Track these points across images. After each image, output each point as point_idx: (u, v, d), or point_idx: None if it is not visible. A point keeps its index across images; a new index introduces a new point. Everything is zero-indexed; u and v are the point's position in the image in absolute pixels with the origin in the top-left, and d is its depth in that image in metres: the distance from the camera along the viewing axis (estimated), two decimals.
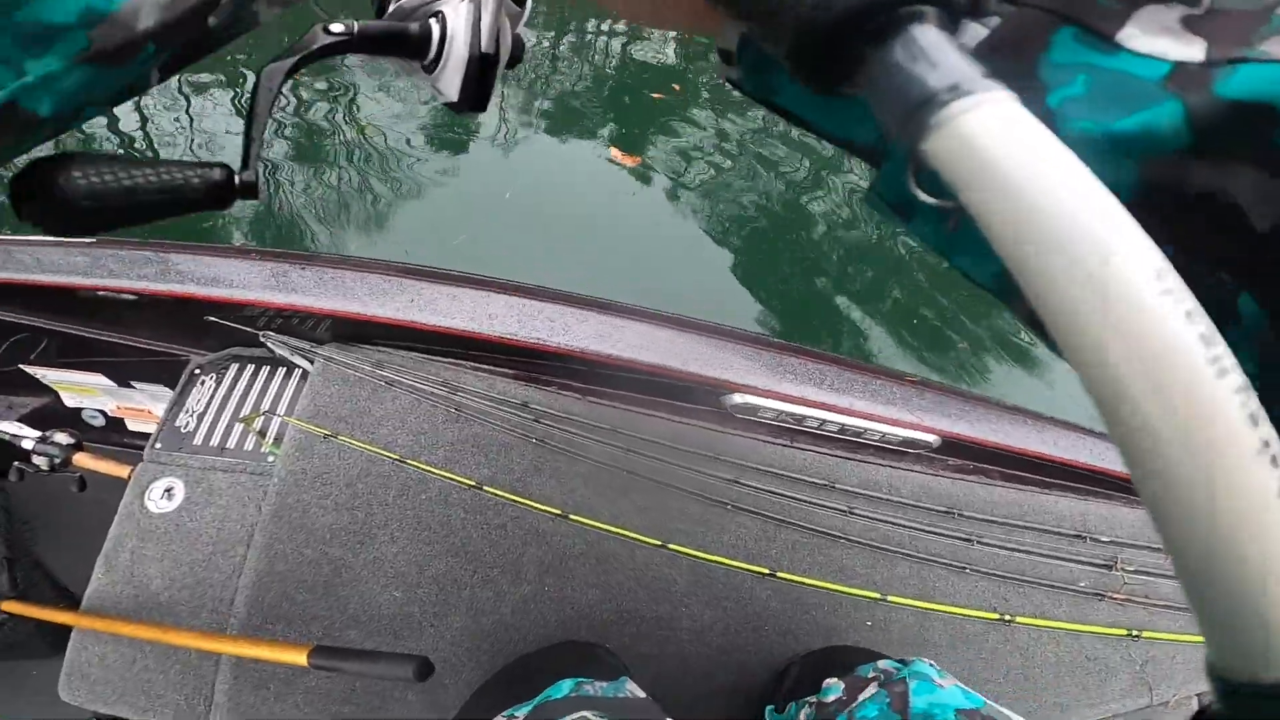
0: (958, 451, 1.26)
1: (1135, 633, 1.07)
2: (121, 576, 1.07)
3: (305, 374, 1.22)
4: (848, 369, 1.25)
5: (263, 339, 1.19)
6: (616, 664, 0.94)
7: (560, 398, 1.21)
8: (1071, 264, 0.13)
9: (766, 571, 1.07)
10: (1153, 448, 0.13)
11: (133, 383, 1.44)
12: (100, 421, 1.54)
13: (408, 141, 3.23)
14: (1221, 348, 0.13)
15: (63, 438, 1.31)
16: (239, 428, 1.20)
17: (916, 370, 2.63)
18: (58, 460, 1.28)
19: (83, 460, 1.26)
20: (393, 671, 0.71)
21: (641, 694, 0.76)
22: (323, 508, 1.06)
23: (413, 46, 0.33)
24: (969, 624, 1.07)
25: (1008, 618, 1.06)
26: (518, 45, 0.35)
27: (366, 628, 1.00)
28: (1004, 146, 0.14)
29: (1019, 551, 1.12)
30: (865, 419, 1.19)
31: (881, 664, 0.74)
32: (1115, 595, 1.09)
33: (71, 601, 1.12)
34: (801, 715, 0.74)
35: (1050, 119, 0.17)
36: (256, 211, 2.83)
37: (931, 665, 0.71)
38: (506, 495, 1.08)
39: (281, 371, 1.26)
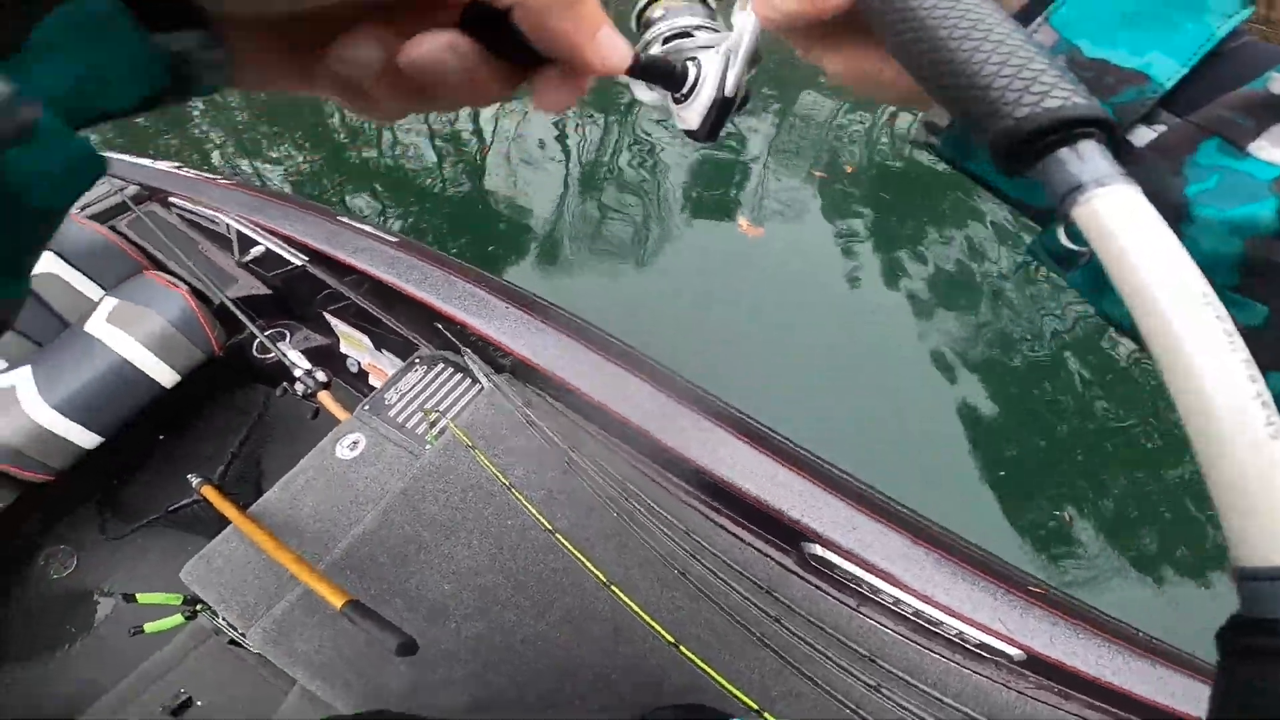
0: (1041, 671, 1.13)
1: None
2: (289, 495, 1.38)
3: (481, 389, 1.47)
4: (945, 552, 1.16)
5: (464, 356, 1.47)
6: None
7: (655, 486, 1.30)
8: (1160, 318, 0.20)
9: (756, 708, 1.05)
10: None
11: (383, 349, 1.86)
12: (355, 369, 2.01)
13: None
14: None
15: (320, 375, 1.73)
16: (419, 416, 1.48)
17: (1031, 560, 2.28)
18: (309, 390, 1.70)
19: (323, 397, 1.66)
20: (384, 637, 0.87)
21: None
22: (436, 499, 1.26)
23: (675, 82, 0.42)
24: None
25: None
26: (747, 94, 0.44)
27: (410, 601, 1.17)
28: (1123, 222, 0.21)
29: None
30: (945, 612, 1.11)
31: None
32: None
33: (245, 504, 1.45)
34: None
35: (1185, 204, 0.26)
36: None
37: None
38: (570, 548, 1.19)
39: (469, 382, 1.53)
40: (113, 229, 1.98)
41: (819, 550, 1.19)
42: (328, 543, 1.28)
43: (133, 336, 1.77)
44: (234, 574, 1.28)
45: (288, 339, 2.03)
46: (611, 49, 0.25)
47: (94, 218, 2.00)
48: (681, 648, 1.10)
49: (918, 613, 1.15)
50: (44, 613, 1.81)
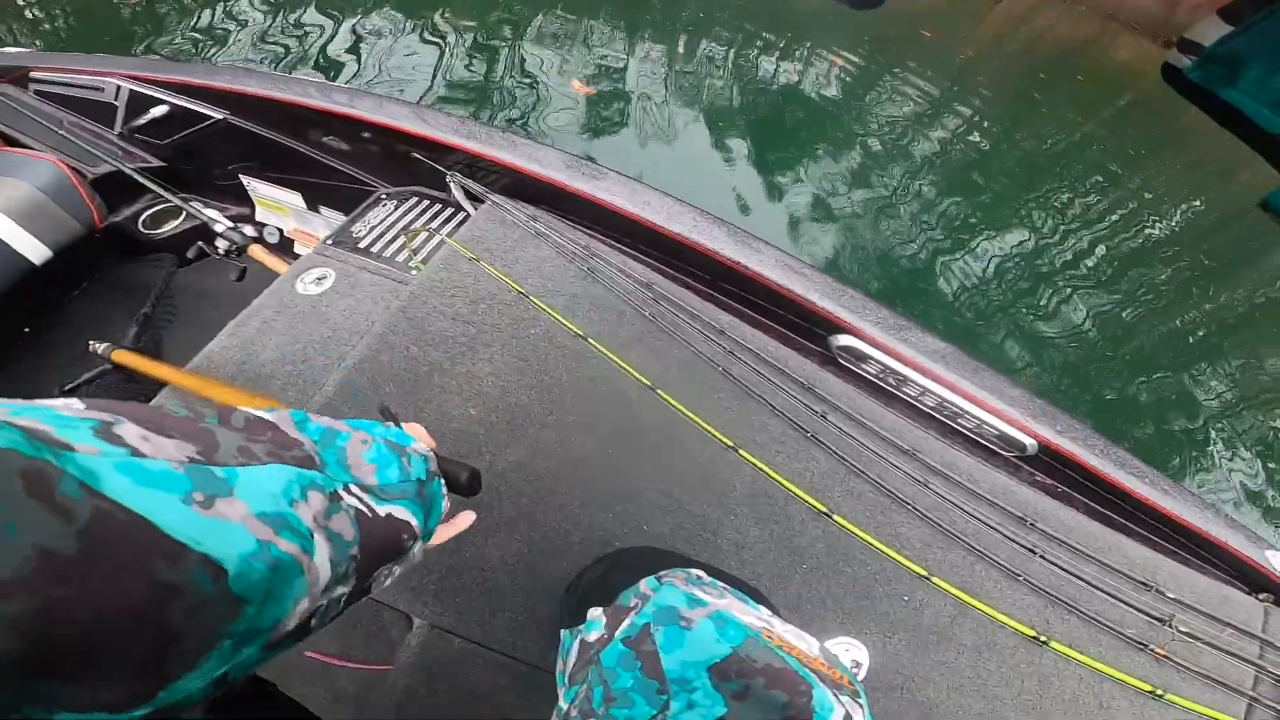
0: (1052, 464, 1.19)
1: (1160, 692, 0.96)
2: (239, 343, 1.15)
3: (468, 218, 1.31)
4: (968, 356, 1.20)
5: (449, 179, 1.30)
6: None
7: (682, 288, 1.22)
8: None
9: (825, 510, 1.01)
10: None
11: (320, 208, 1.63)
12: (276, 239, 1.75)
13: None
14: None
15: (249, 229, 1.50)
16: (397, 245, 1.30)
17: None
18: (235, 247, 1.45)
19: (256, 252, 1.43)
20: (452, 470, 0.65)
21: None
22: (442, 315, 1.10)
23: None
24: (1002, 633, 0.99)
25: (1043, 639, 0.97)
26: None
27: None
28: None
29: (1078, 579, 1.04)
30: (967, 399, 1.15)
31: (643, 585, 0.64)
32: (1158, 650, 0.99)
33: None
34: (572, 653, 0.64)
35: None
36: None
37: (687, 585, 0.61)
38: (606, 351, 1.08)
39: (449, 213, 1.36)
40: None
41: (848, 340, 1.17)
42: (305, 385, 1.07)
43: (6, 213, 1.43)
44: None
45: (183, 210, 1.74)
46: None
47: None
48: (741, 451, 1.04)
49: (941, 404, 1.17)
50: None
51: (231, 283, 1.59)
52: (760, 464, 1.03)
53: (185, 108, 1.54)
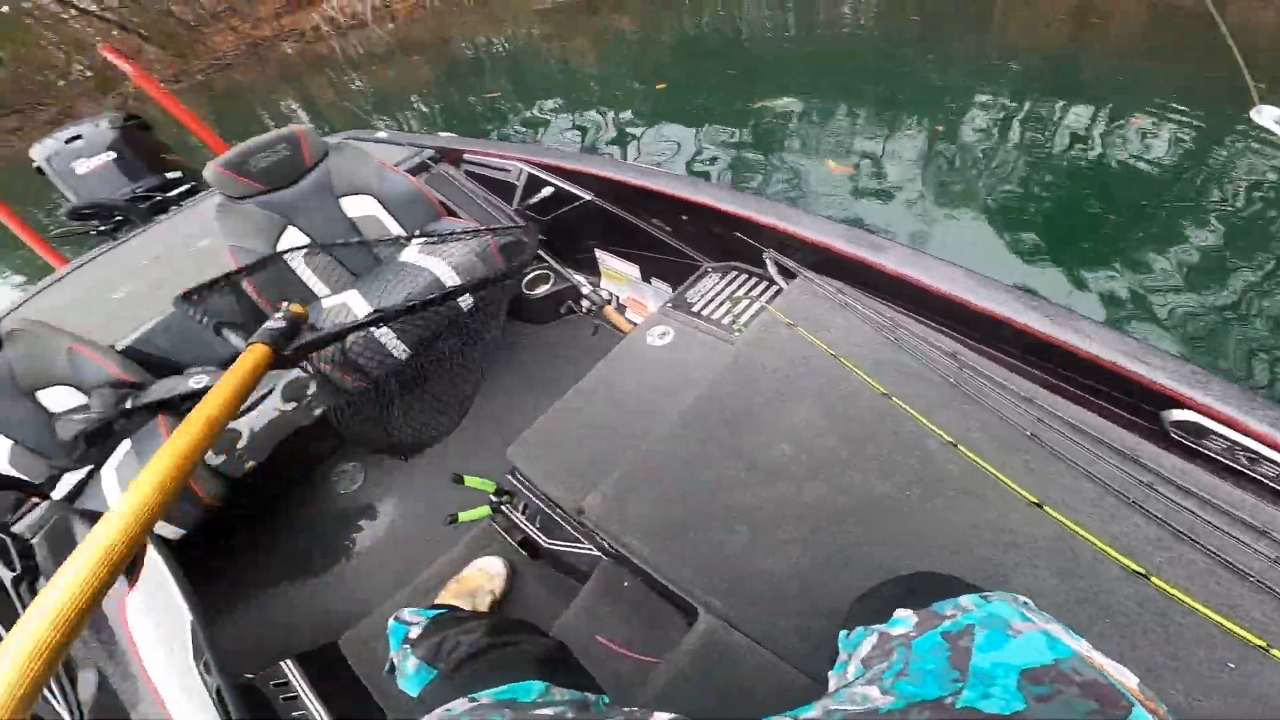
0: None
1: None
2: (602, 378, 1.47)
3: (780, 290, 1.51)
4: None
5: (765, 255, 1.53)
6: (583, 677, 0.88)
7: (986, 358, 1.26)
8: None
9: (1142, 571, 0.96)
10: None
11: (652, 279, 1.97)
12: (615, 305, 2.13)
13: None
14: None
15: (604, 292, 1.88)
16: (722, 310, 1.55)
17: None
18: (595, 307, 1.84)
19: (609, 312, 1.80)
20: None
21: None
22: (763, 369, 1.30)
23: None
24: None
25: None
26: None
27: (749, 462, 1.17)
28: None
29: None
30: None
31: (964, 599, 0.65)
32: None
33: None
34: (866, 644, 0.66)
35: None
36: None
37: (1019, 604, 0.62)
38: (910, 410, 1.17)
39: (764, 285, 1.59)
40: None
41: (1184, 415, 1.10)
42: (653, 416, 1.33)
43: (443, 260, 2.00)
44: (557, 449, 1.35)
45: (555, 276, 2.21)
46: None
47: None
48: (1045, 508, 1.04)
49: None
50: (338, 529, 1.94)
51: (588, 336, 1.99)
52: (1068, 521, 1.02)
53: (564, 189, 2.00)
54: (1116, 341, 1.18)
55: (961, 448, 1.12)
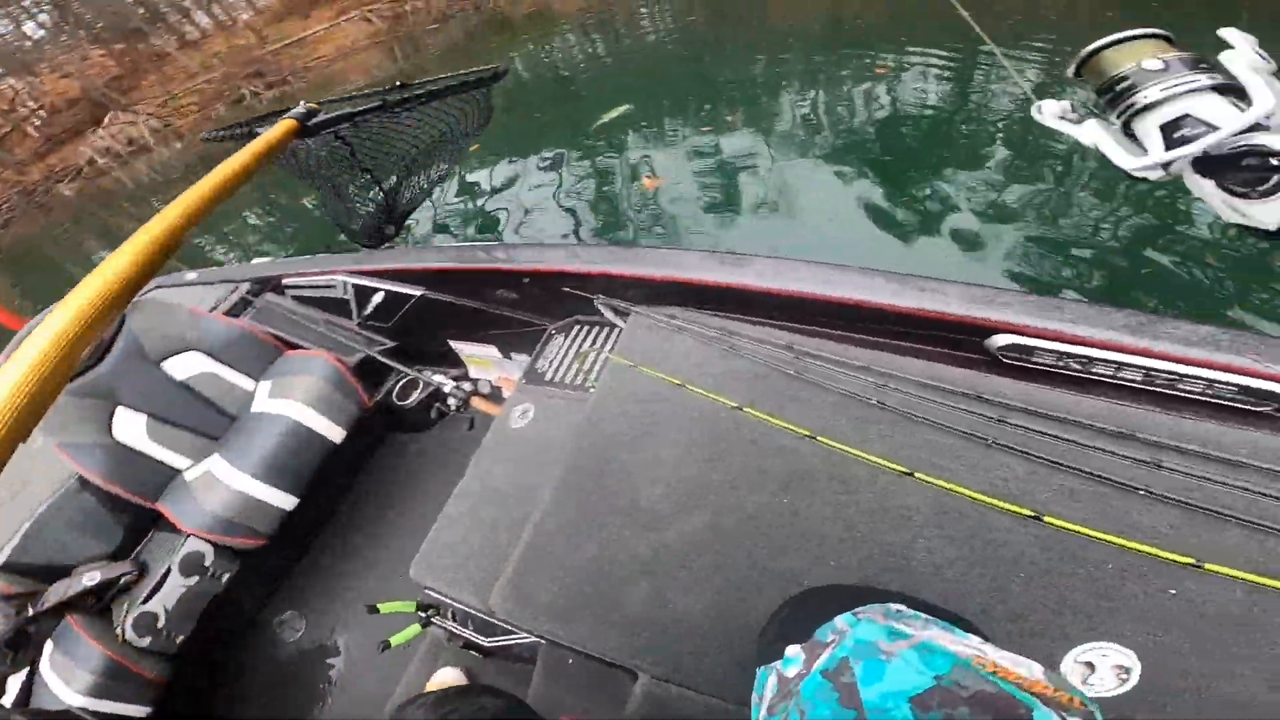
0: None
1: None
2: (480, 473, 1.49)
3: (621, 327, 1.58)
4: (1138, 314, 1.07)
5: (596, 303, 1.59)
6: None
7: (820, 340, 1.33)
8: None
9: (1031, 514, 0.96)
10: None
11: (511, 354, 2.00)
12: (489, 389, 2.14)
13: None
14: None
15: (468, 384, 1.89)
16: (575, 369, 1.60)
17: None
18: (462, 400, 1.85)
19: (477, 402, 1.82)
20: None
21: None
22: (618, 418, 1.36)
23: (1258, 176, 0.48)
24: None
25: None
26: None
27: (628, 517, 1.20)
28: None
29: None
30: (1185, 364, 1.00)
31: (839, 621, 0.65)
32: None
33: None
34: (768, 687, 0.66)
35: None
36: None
37: (888, 619, 0.62)
38: (762, 415, 1.24)
39: (606, 333, 1.65)
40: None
41: (1003, 340, 1.13)
42: (531, 497, 1.35)
43: (297, 401, 1.95)
44: (455, 556, 1.37)
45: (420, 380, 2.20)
46: None
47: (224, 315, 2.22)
48: (917, 475, 1.06)
49: (1149, 375, 1.05)
50: (293, 680, 1.91)
51: (466, 432, 2.00)
52: (941, 482, 1.04)
53: (394, 291, 1.99)
54: (926, 286, 1.22)
55: (820, 438, 1.17)
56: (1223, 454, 0.96)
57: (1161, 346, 1.02)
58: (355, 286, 2.07)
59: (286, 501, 1.89)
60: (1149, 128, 0.60)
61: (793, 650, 0.66)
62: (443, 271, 1.85)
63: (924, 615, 0.66)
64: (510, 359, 2.03)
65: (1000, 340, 1.14)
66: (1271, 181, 0.46)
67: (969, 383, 1.16)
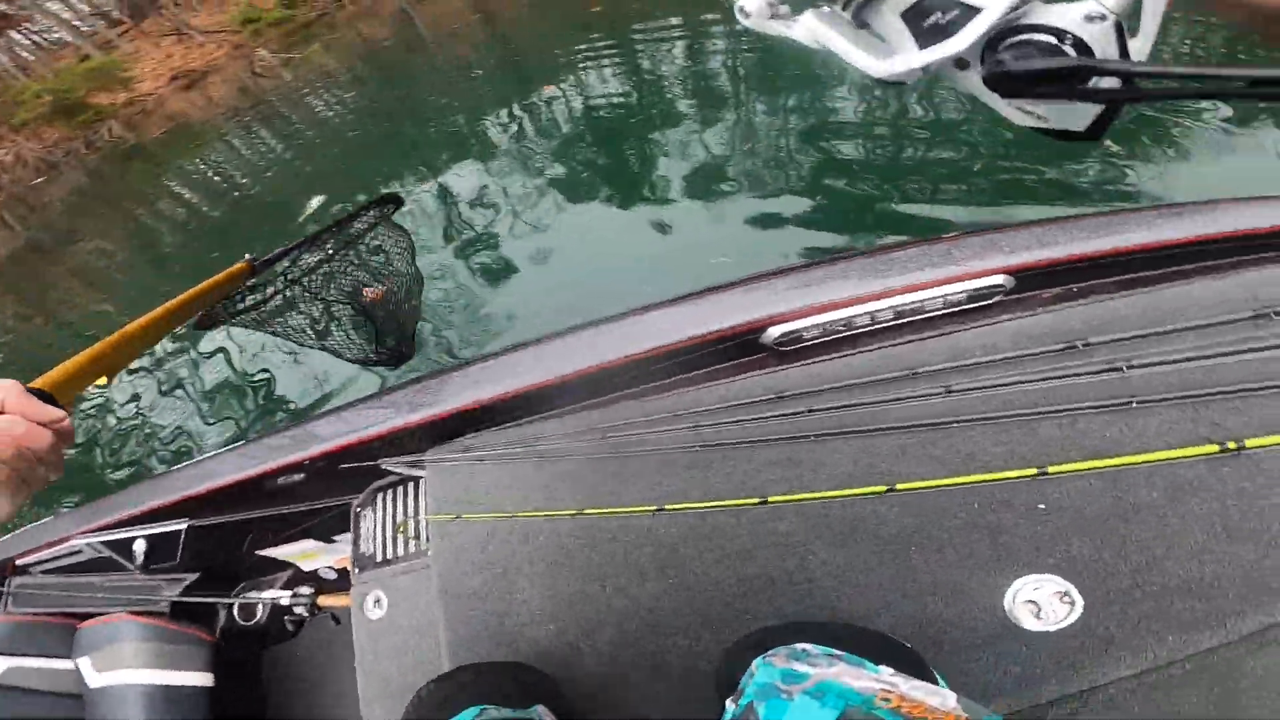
0: (1042, 282, 1.09)
1: None
2: (377, 681, 1.38)
3: (421, 478, 1.50)
4: (870, 255, 1.17)
5: (383, 466, 1.49)
6: (534, 688, 0.95)
7: (619, 408, 1.33)
8: None
9: (883, 488, 0.96)
10: None
11: (334, 537, 1.83)
12: (333, 576, 1.95)
13: None
14: None
15: (304, 589, 1.71)
16: (401, 540, 1.50)
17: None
18: (308, 605, 1.68)
19: (325, 600, 1.65)
20: None
21: None
22: (468, 573, 1.29)
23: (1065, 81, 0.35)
24: (1180, 469, 0.84)
25: (1231, 445, 0.81)
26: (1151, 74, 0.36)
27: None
28: None
29: (1190, 360, 0.87)
30: (915, 291, 1.08)
31: (753, 664, 0.66)
32: None
33: None
34: None
35: None
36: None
37: (787, 660, 0.63)
38: (603, 511, 1.23)
39: (414, 485, 1.56)
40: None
41: (773, 332, 1.17)
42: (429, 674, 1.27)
43: (133, 668, 1.64)
44: None
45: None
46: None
47: None
48: (769, 499, 1.07)
49: (898, 312, 1.13)
50: None
51: (337, 628, 1.81)
52: (794, 496, 1.03)
53: (154, 533, 1.71)
54: (684, 312, 1.24)
55: (667, 506, 1.15)
56: (994, 356, 1.00)
57: (893, 282, 1.10)
58: (105, 544, 1.75)
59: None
60: (887, 18, 0.44)
61: (729, 705, 0.65)
62: (198, 498, 1.63)
63: (833, 652, 0.65)
64: (335, 541, 1.86)
65: (773, 333, 1.19)
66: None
67: (767, 385, 1.17)
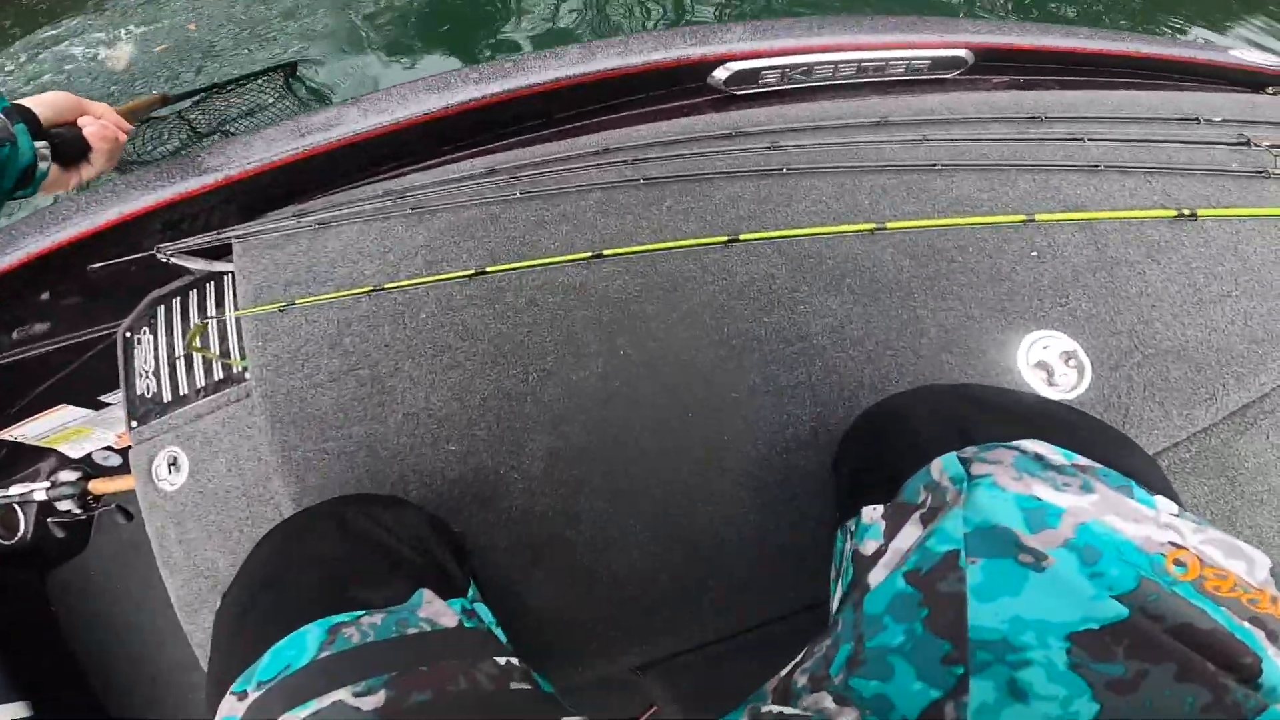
0: (1002, 65, 1.10)
1: None
2: (189, 572, 0.93)
3: (229, 275, 0.99)
4: (834, 16, 1.09)
5: (158, 254, 0.95)
6: (419, 548, 0.58)
7: (529, 149, 0.96)
8: None
9: (872, 226, 0.84)
10: None
11: (104, 398, 1.25)
12: (117, 460, 1.37)
13: None
14: None
15: (66, 474, 1.17)
16: (198, 362, 0.99)
17: None
18: (76, 496, 1.14)
19: (99, 486, 1.13)
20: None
21: (450, 619, 0.47)
22: (318, 385, 0.84)
23: None
24: (1148, 229, 0.86)
25: (1187, 211, 0.85)
26: None
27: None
28: None
29: (1142, 142, 0.91)
30: (879, 50, 1.03)
31: (938, 471, 0.42)
32: (1275, 172, 0.89)
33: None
34: (844, 555, 0.47)
35: None
36: None
37: (1013, 482, 0.36)
38: (514, 265, 0.85)
39: (211, 287, 1.03)
40: None
41: (726, 70, 1.01)
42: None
43: None
44: None
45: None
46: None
47: None
48: (741, 237, 0.86)
49: (861, 66, 1.06)
50: None
51: (128, 524, 1.26)
52: (771, 233, 0.86)
53: None
54: (630, 43, 1.03)
55: (607, 251, 0.85)
56: (963, 115, 0.96)
57: (859, 39, 1.04)
58: None
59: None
60: None
61: (868, 514, 0.44)
62: None
63: (1082, 460, 0.38)
64: (109, 405, 1.28)
65: (722, 74, 1.04)
66: None
67: (719, 124, 0.97)
